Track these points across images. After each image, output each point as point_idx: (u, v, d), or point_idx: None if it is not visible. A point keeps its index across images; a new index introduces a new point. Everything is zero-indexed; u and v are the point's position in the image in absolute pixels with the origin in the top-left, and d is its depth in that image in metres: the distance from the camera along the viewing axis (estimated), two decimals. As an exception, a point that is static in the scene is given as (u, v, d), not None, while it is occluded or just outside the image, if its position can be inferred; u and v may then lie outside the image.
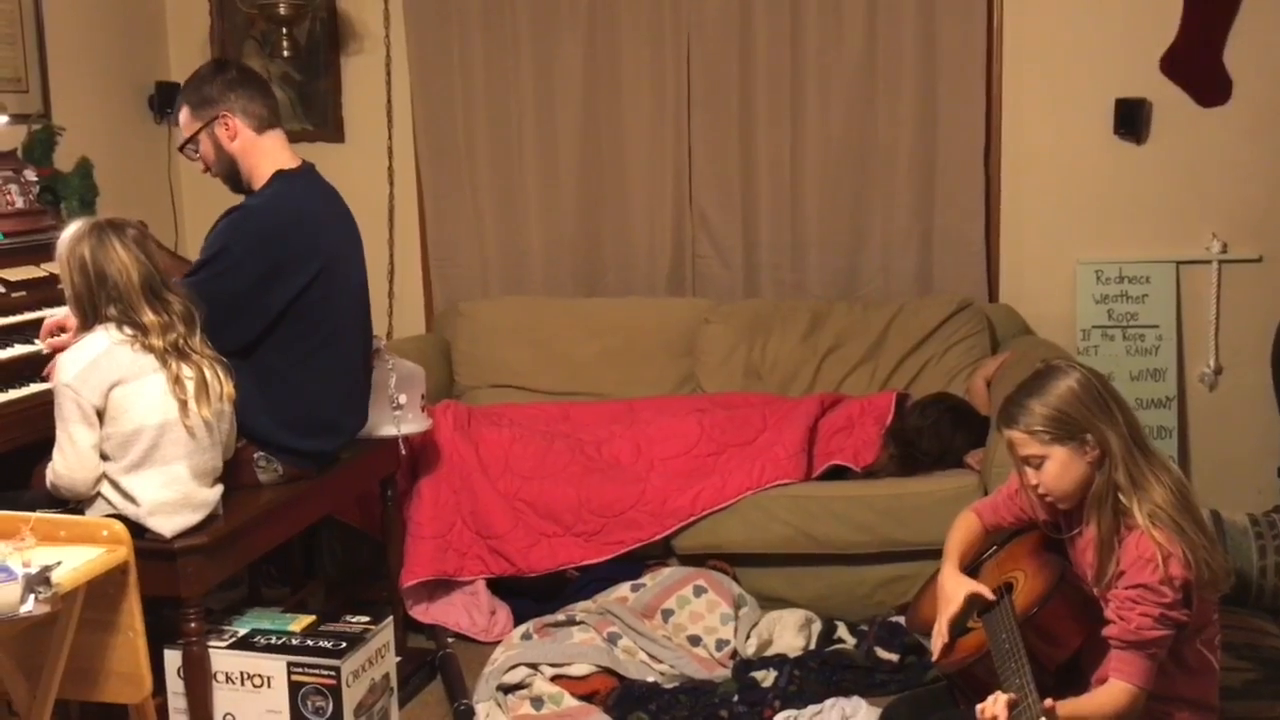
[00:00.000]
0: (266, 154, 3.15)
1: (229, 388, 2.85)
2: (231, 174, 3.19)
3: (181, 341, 2.78)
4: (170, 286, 2.81)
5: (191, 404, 2.76)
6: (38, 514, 2.54)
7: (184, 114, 3.18)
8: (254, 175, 3.15)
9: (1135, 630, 2.28)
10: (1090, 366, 2.51)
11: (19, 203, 3.60)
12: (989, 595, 2.54)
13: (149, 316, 2.74)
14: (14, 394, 3.05)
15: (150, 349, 2.74)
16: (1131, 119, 4.30)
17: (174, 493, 2.75)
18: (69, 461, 2.71)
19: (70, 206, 3.75)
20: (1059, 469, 2.40)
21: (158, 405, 2.74)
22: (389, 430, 3.45)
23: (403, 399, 3.46)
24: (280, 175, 3.14)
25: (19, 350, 3.16)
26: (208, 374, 2.80)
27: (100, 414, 2.70)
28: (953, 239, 4.46)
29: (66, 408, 2.70)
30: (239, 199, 3.21)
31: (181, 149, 3.23)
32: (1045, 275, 4.46)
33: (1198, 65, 4.27)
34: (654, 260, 4.67)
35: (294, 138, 4.73)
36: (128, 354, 2.72)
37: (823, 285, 4.56)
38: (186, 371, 2.77)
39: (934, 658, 2.60)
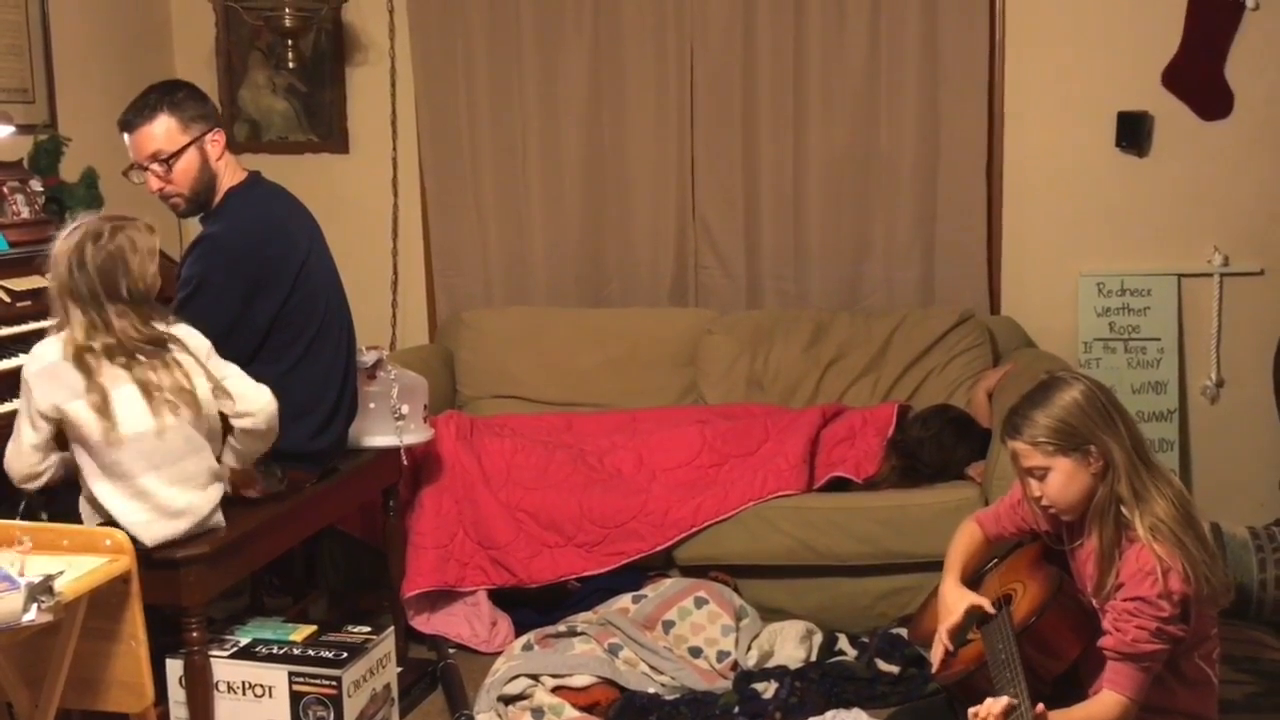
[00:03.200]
0: (231, 171, 3.16)
1: (199, 386, 2.79)
2: (206, 193, 3.13)
3: (141, 344, 2.74)
4: (133, 294, 2.75)
5: (164, 415, 2.73)
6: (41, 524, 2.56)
7: (167, 125, 3.06)
8: (217, 194, 3.15)
9: (1131, 643, 2.29)
10: (1094, 378, 2.51)
11: (24, 213, 3.61)
12: (989, 608, 2.55)
13: (109, 322, 2.72)
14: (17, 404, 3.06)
15: (110, 356, 2.71)
16: (1133, 132, 4.31)
17: (143, 504, 2.72)
18: (11, 450, 2.76)
19: (75, 217, 3.75)
20: (1063, 480, 2.40)
21: (122, 417, 2.70)
22: (391, 440, 3.46)
23: (405, 409, 3.47)
24: (232, 193, 3.14)
25: (23, 360, 3.17)
26: (175, 377, 2.75)
27: (54, 421, 2.71)
28: (955, 251, 4.47)
29: (23, 400, 2.74)
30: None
31: (145, 165, 3.10)
32: (1047, 287, 4.47)
33: (1199, 78, 4.28)
34: (657, 271, 4.68)
35: (299, 149, 4.84)
36: (72, 374, 2.69)
37: (825, 296, 4.57)
38: (153, 378, 2.73)
39: (933, 669, 2.61)
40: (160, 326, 2.78)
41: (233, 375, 2.87)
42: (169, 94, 3.11)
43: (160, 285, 2.83)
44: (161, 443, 2.74)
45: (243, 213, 3.11)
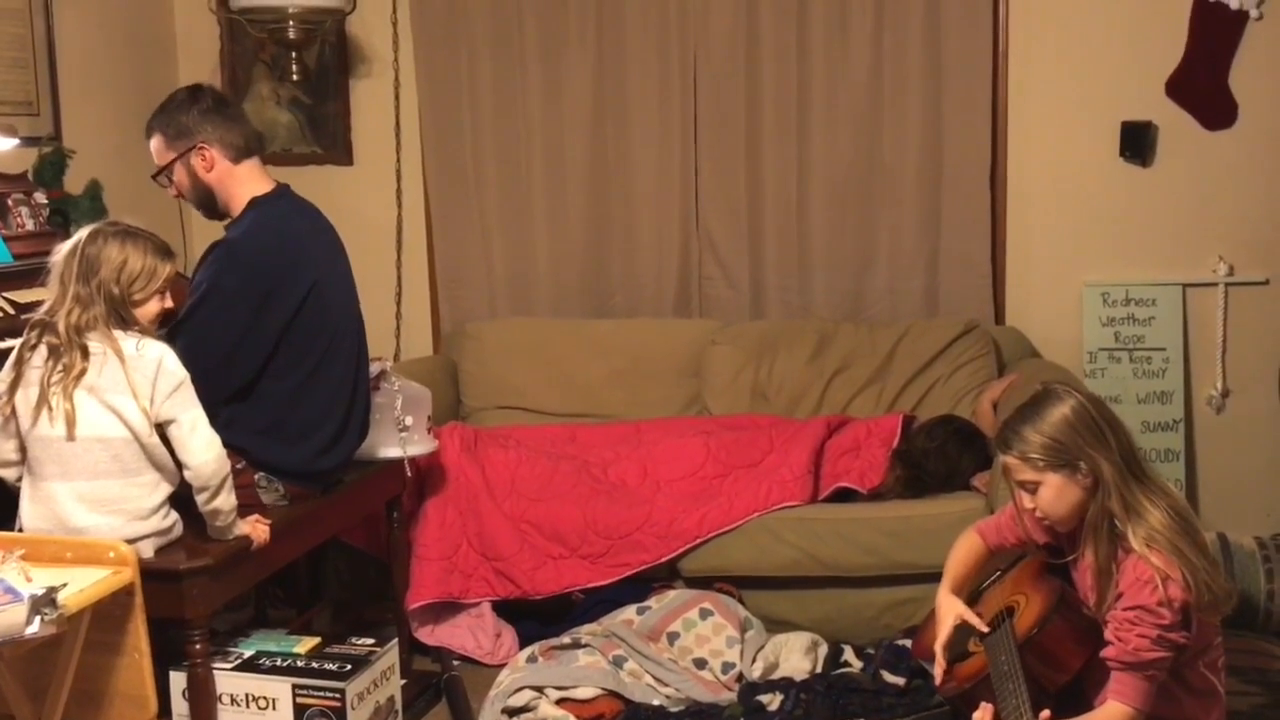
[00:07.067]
0: (243, 182, 3.15)
1: (120, 407, 2.67)
2: (206, 202, 3.18)
3: (74, 335, 2.68)
4: (105, 292, 2.72)
5: (76, 426, 2.65)
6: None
7: (157, 142, 3.14)
8: (231, 204, 3.16)
9: (1133, 651, 2.29)
10: (1088, 391, 2.52)
11: (29, 225, 3.63)
12: (978, 623, 2.56)
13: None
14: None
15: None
16: (1137, 142, 4.31)
17: (46, 510, 2.68)
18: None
19: (79, 229, 3.76)
20: (1053, 495, 2.42)
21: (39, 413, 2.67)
22: (395, 452, 3.46)
23: (409, 420, 3.46)
24: (257, 202, 3.14)
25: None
26: (70, 387, 2.66)
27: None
28: (959, 261, 4.47)
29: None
30: (218, 231, 3.21)
31: (154, 177, 3.19)
32: (1052, 297, 4.46)
33: (1203, 88, 4.28)
34: (661, 282, 4.68)
35: (303, 160, 4.84)
36: (9, 364, 2.71)
37: (829, 307, 4.57)
38: (53, 379, 2.66)
39: (935, 683, 2.61)
40: (118, 334, 2.70)
41: (185, 421, 2.72)
42: (164, 110, 3.16)
43: (151, 306, 2.80)
44: (75, 452, 2.66)
45: (259, 222, 3.12)
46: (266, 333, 3.04)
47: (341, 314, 3.25)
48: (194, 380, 2.77)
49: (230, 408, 3.02)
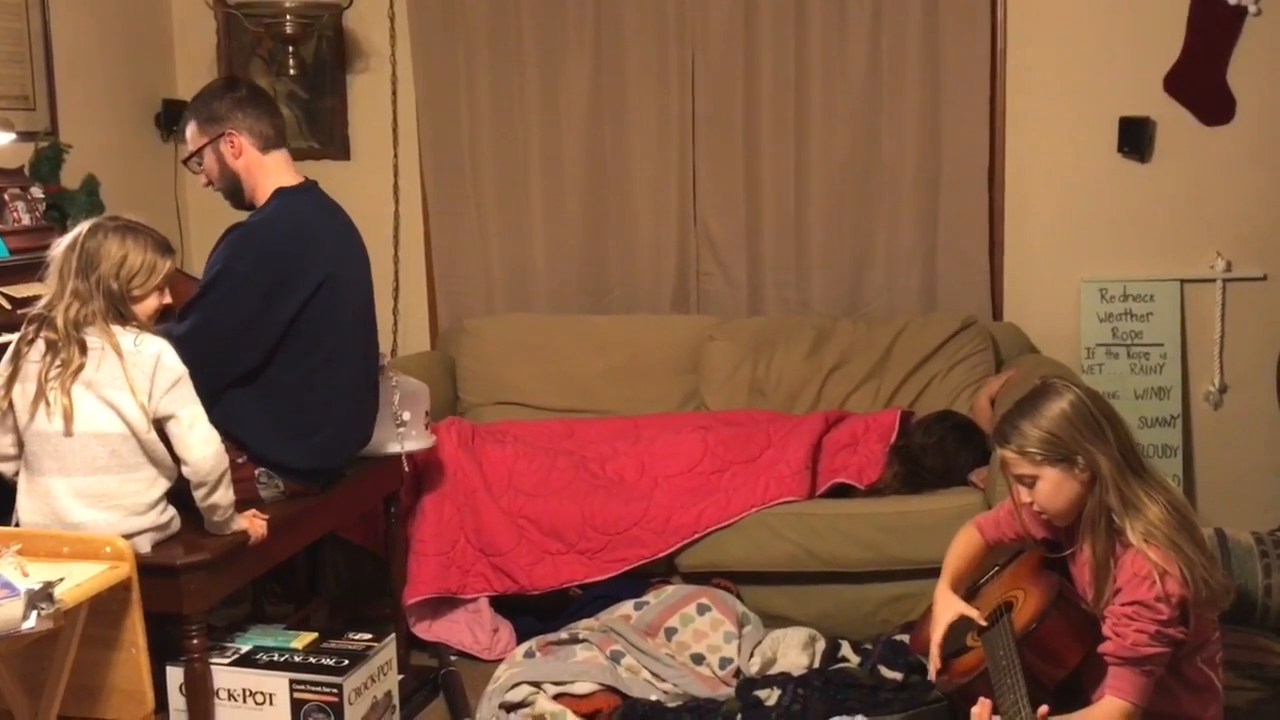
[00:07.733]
0: (270, 173, 3.18)
1: (117, 401, 2.65)
2: (234, 190, 3.22)
3: (73, 330, 2.67)
4: (103, 286, 2.71)
5: (74, 421, 2.63)
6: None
7: (191, 128, 3.21)
8: (256, 193, 3.19)
9: (1131, 647, 2.29)
10: (1087, 386, 2.52)
11: (25, 220, 3.62)
12: (978, 619, 2.55)
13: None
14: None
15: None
16: (1135, 137, 4.31)
17: (43, 505, 2.67)
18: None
19: (76, 224, 3.76)
20: (1050, 489, 2.42)
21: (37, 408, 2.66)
22: (393, 447, 3.45)
23: (406, 416, 3.46)
24: (281, 192, 3.16)
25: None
26: (68, 381, 2.64)
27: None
28: (957, 257, 4.47)
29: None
30: (241, 216, 3.23)
31: (185, 162, 3.26)
32: (1049, 293, 4.46)
33: (1201, 84, 4.28)
34: (658, 277, 4.68)
35: (300, 155, 4.77)
36: (6, 359, 2.70)
37: (827, 302, 4.57)
38: (51, 374, 2.64)
39: (930, 677, 2.61)
40: (116, 329, 2.69)
41: (183, 416, 2.70)
42: (199, 97, 3.24)
43: (150, 302, 2.79)
44: (72, 447, 2.65)
45: (278, 210, 3.14)
46: (274, 321, 3.04)
47: (353, 316, 3.25)
48: (199, 363, 2.77)
49: (234, 398, 3.02)
